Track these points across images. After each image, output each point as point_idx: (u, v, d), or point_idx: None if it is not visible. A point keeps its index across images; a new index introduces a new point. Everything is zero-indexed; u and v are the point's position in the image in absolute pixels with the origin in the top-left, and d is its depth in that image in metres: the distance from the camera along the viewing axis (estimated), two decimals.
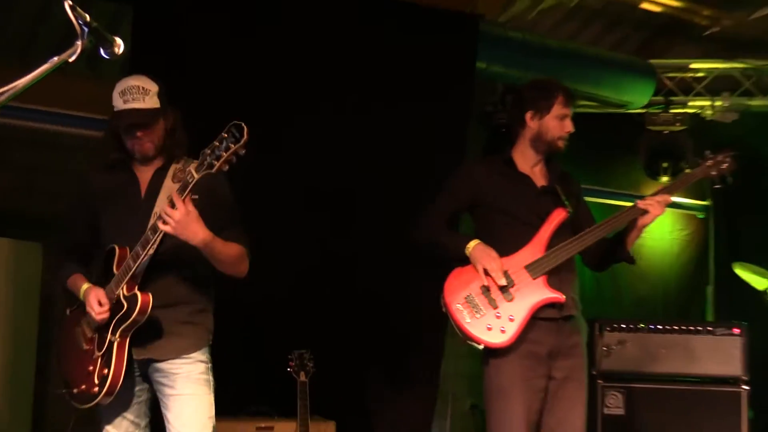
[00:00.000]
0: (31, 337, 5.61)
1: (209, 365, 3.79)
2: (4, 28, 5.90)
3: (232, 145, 3.24)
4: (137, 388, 3.76)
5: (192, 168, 3.31)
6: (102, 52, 2.63)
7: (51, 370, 5.48)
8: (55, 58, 2.61)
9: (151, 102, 3.60)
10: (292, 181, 5.31)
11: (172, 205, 3.32)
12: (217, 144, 3.26)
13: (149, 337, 3.63)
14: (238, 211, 3.81)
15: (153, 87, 3.63)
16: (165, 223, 3.33)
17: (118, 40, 2.68)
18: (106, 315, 3.50)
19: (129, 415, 3.78)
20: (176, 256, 3.64)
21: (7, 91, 2.58)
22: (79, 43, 2.59)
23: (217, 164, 3.26)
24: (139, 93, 3.60)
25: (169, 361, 3.69)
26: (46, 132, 5.50)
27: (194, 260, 3.65)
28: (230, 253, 3.65)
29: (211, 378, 3.78)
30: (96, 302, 3.52)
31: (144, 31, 4.95)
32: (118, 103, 3.60)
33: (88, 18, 2.61)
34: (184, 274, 3.72)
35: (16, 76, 2.62)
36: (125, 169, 3.75)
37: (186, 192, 3.34)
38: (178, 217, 3.32)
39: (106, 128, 3.75)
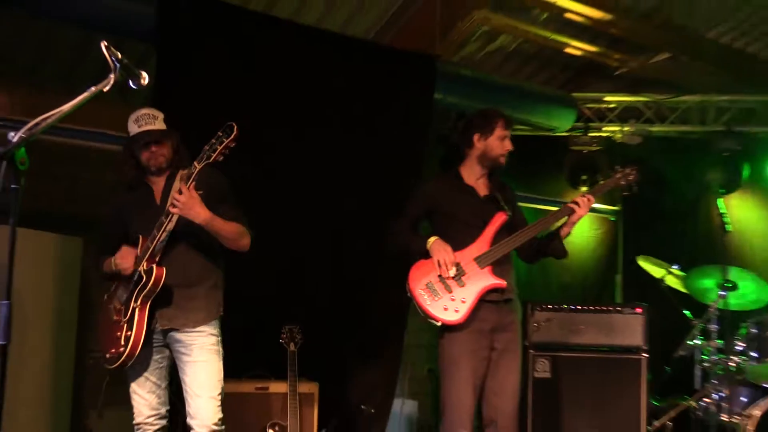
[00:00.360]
0: (73, 316, 5.54)
1: (219, 338, 3.84)
2: (52, 61, 5.82)
3: (225, 140, 3.42)
4: (159, 356, 3.82)
5: (195, 162, 3.47)
6: (131, 83, 2.59)
7: (87, 345, 5.44)
8: (93, 88, 2.56)
9: (160, 125, 3.76)
10: (290, 189, 5.29)
11: (180, 192, 3.47)
12: (214, 141, 3.44)
13: (171, 310, 3.73)
14: (237, 200, 3.86)
15: (160, 115, 3.78)
16: (174, 206, 3.49)
17: (144, 74, 2.63)
18: (129, 266, 3.67)
19: (152, 377, 3.83)
20: (190, 242, 3.76)
21: (55, 114, 2.52)
22: (112, 76, 2.54)
23: (214, 155, 3.44)
24: (150, 118, 3.75)
25: (187, 333, 3.75)
26: (85, 147, 5.46)
27: (206, 246, 3.77)
28: (230, 230, 3.72)
29: (220, 349, 3.83)
30: (121, 257, 3.73)
31: (165, 67, 4.90)
32: (134, 128, 3.75)
33: (119, 55, 2.56)
34: (197, 258, 3.80)
35: (62, 102, 2.57)
36: (142, 185, 3.84)
37: (190, 180, 3.49)
38: (183, 200, 3.46)
39: (124, 150, 3.84)
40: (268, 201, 4.98)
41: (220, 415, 3.77)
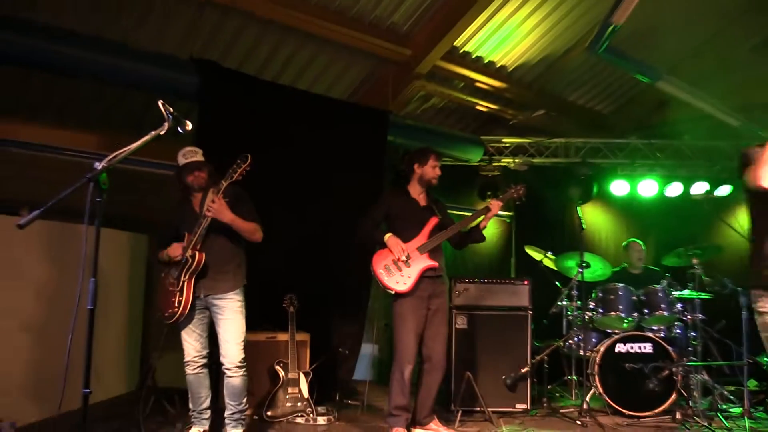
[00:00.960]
0: (140, 290, 5.48)
1: (243, 302, 3.83)
2: (125, 113, 5.73)
3: (243, 165, 3.54)
4: (201, 315, 3.83)
5: (222, 180, 3.58)
6: (179, 129, 2.55)
7: (151, 308, 5.35)
8: (153, 132, 2.52)
9: (200, 157, 3.78)
10: (294, 203, 5.26)
11: (213, 201, 3.57)
12: (235, 166, 3.55)
13: (209, 282, 3.75)
14: (254, 207, 3.86)
15: (199, 150, 3.79)
16: (209, 211, 3.58)
17: (189, 123, 2.60)
18: (179, 254, 3.69)
19: (197, 329, 3.82)
20: (222, 236, 3.75)
21: (126, 150, 2.48)
22: (166, 124, 2.51)
23: (235, 176, 3.55)
24: (193, 153, 3.76)
25: (220, 299, 3.73)
26: (149, 172, 5.37)
27: (232, 238, 3.76)
28: (248, 227, 3.76)
29: (244, 310, 3.82)
30: (172, 249, 3.76)
31: (204, 119, 4.87)
32: (181, 160, 3.76)
33: (171, 109, 2.52)
34: (227, 246, 3.80)
35: (132, 141, 2.52)
36: (188, 202, 3.83)
37: (219, 192, 3.59)
38: (215, 207, 3.56)
39: (176, 176, 3.83)
40: (279, 208, 4.92)
41: (243, 356, 3.78)
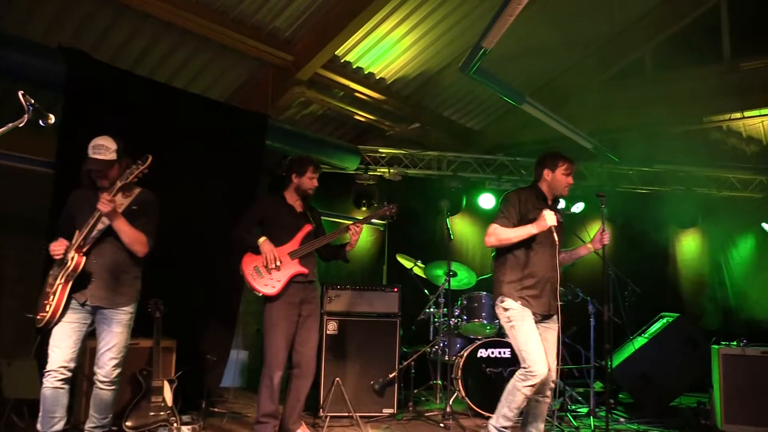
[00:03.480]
0: None
1: (133, 315, 3.58)
2: None
3: (141, 166, 3.31)
4: (82, 323, 3.46)
5: (118, 180, 3.34)
6: (41, 122, 2.39)
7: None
8: (11, 124, 2.35)
9: (110, 155, 3.44)
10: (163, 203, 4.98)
11: (103, 199, 3.29)
12: (134, 167, 3.29)
13: (101, 292, 3.44)
14: (156, 222, 3.64)
15: (112, 146, 3.45)
16: (98, 206, 3.30)
17: (51, 116, 2.44)
18: (59, 252, 3.38)
19: (71, 337, 3.44)
20: (118, 245, 3.48)
21: None
22: (26, 116, 2.34)
23: (131, 177, 3.31)
24: (102, 149, 3.44)
25: (112, 311, 3.47)
26: (7, 165, 4.92)
27: (129, 250, 3.49)
28: (128, 231, 3.45)
29: (132, 323, 3.58)
30: (54, 245, 3.42)
31: (68, 112, 4.56)
32: (89, 152, 3.45)
33: (33, 101, 2.36)
34: (124, 254, 3.52)
35: None
36: (92, 188, 3.52)
37: (113, 191, 3.33)
38: (104, 200, 3.28)
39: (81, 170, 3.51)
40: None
41: (120, 370, 3.53)
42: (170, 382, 4.43)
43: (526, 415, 3.92)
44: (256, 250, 4.07)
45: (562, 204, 6.97)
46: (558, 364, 3.94)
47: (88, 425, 3.57)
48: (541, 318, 3.92)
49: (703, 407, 5.30)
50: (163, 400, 4.34)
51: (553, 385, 3.86)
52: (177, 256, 5.02)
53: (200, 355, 5.17)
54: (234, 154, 5.55)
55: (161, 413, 4.30)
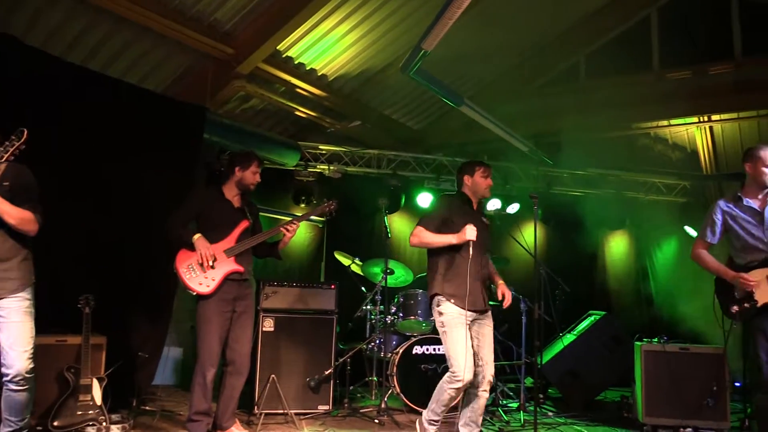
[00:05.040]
0: None
1: (32, 302, 3.34)
2: None
3: (16, 143, 3.05)
4: None
5: None
6: None
7: None
8: None
9: None
10: (96, 196, 4.85)
11: None
12: (7, 143, 3.05)
13: None
14: (37, 194, 3.34)
15: None
16: None
17: None
18: None
19: None
20: (2, 226, 3.21)
21: None
22: None
23: (6, 155, 3.06)
24: None
25: (5, 300, 3.23)
26: None
27: (14, 231, 3.25)
28: (11, 212, 3.18)
29: (33, 311, 3.34)
30: None
31: None
32: None
33: None
34: (8, 239, 3.24)
35: None
36: None
37: None
38: None
39: None
40: (72, 199, 4.57)
41: (32, 365, 3.33)
42: (99, 380, 4.30)
43: (465, 408, 4.02)
44: (191, 247, 3.99)
45: (494, 205, 7.19)
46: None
47: (4, 429, 3.37)
48: (476, 315, 4.01)
49: (626, 401, 5.52)
50: (92, 399, 4.21)
51: (491, 379, 4.00)
52: (109, 251, 4.88)
53: (131, 352, 5.02)
54: (170, 146, 5.40)
55: (90, 412, 4.17)
